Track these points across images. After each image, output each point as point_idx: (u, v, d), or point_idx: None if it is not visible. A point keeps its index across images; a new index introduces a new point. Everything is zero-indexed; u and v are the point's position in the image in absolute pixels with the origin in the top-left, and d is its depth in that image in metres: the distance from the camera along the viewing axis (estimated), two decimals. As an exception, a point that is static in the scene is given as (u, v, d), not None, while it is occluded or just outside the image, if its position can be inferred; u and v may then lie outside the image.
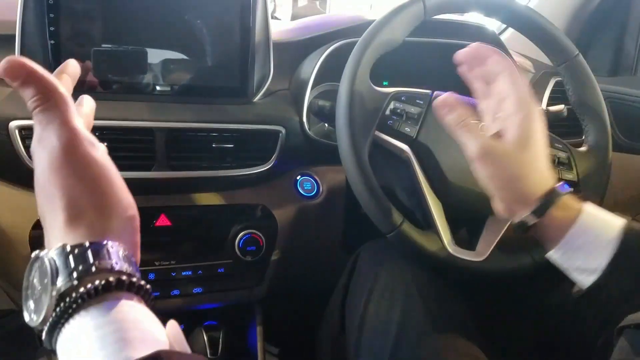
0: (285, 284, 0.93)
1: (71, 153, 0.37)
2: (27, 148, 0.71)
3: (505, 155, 0.53)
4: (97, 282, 0.33)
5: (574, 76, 0.74)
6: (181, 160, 0.79)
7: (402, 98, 0.71)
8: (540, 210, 0.53)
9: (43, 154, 0.38)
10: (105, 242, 0.36)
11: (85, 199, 0.37)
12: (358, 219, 0.92)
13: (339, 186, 0.91)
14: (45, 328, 0.34)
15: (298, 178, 0.89)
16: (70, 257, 0.34)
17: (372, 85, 0.71)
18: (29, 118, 0.65)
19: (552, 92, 1.02)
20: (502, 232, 0.72)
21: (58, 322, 0.33)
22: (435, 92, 0.72)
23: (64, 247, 0.35)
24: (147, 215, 0.78)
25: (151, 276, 0.79)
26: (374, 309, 0.70)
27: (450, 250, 0.69)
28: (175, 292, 0.81)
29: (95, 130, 0.72)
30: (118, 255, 0.36)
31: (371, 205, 0.67)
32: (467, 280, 0.77)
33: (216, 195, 0.84)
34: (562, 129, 0.86)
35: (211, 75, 0.82)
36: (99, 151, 0.39)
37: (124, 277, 0.35)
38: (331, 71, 0.84)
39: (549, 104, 0.99)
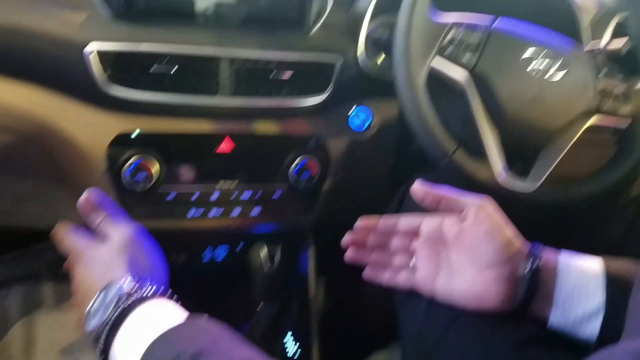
0: (335, 213, 0.97)
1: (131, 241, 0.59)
2: (102, 70, 0.75)
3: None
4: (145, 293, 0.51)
5: (636, 8, 0.72)
6: (242, 88, 0.82)
7: (461, 27, 0.72)
8: (533, 261, 0.56)
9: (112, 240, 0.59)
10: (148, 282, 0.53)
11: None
12: (408, 154, 0.94)
13: (392, 120, 0.93)
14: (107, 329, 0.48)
15: (352, 110, 0.91)
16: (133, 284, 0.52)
17: (431, 14, 0.71)
18: (104, 40, 0.69)
19: (614, 31, 0.99)
20: (555, 163, 0.73)
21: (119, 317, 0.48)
22: (496, 21, 0.72)
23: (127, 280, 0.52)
24: (210, 140, 0.83)
25: (213, 197, 0.84)
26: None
27: (502, 179, 0.71)
28: (235, 213, 0.86)
29: (164, 56, 0.76)
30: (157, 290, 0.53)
31: (425, 131, 0.69)
32: (516, 213, 0.79)
33: (274, 123, 0.87)
34: (621, 66, 0.85)
35: (270, 6, 0.84)
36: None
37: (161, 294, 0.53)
38: (390, 2, 0.84)
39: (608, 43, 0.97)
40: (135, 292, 0.49)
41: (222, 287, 0.75)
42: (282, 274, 0.79)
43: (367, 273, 0.62)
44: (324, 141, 0.90)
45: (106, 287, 0.50)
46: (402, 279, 0.61)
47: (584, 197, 0.72)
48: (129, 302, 0.48)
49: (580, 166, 0.74)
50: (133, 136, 0.78)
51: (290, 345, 0.82)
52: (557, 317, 0.56)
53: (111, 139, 0.77)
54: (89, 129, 0.78)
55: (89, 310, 0.49)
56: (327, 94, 0.87)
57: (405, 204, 0.83)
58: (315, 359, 0.74)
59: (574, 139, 0.72)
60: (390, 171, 0.98)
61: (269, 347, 0.76)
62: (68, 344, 1.19)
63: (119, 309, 0.47)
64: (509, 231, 0.57)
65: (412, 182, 0.87)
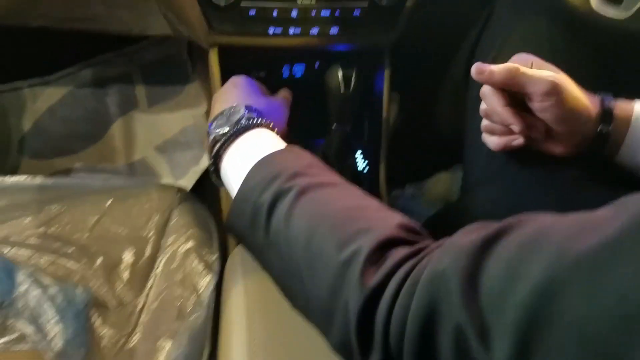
0: (415, 34, 0.95)
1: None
2: None
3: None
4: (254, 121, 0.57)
5: None
6: None
7: None
8: (607, 116, 0.56)
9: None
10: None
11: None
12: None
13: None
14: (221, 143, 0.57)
15: None
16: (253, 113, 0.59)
17: None
18: None
19: None
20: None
21: (235, 134, 0.56)
22: None
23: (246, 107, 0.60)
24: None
25: (293, 14, 0.85)
26: (503, 61, 0.73)
27: (595, 3, 0.66)
28: (314, 31, 0.87)
29: None
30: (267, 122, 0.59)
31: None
32: (605, 45, 0.75)
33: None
34: None
35: None
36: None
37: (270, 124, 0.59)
38: None
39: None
40: (252, 119, 0.57)
41: (299, 105, 0.80)
42: (356, 95, 0.82)
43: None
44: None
45: (232, 108, 0.59)
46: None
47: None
48: (245, 124, 0.56)
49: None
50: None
51: (360, 161, 0.89)
52: (624, 158, 0.58)
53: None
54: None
55: (213, 123, 0.58)
56: None
57: (490, 26, 0.81)
58: (382, 175, 0.81)
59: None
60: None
61: (341, 163, 0.83)
62: (162, 141, 1.34)
63: (237, 127, 0.55)
64: (584, 99, 0.57)
65: (499, 3, 0.83)
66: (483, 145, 0.69)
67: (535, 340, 0.26)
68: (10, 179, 0.76)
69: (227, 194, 0.95)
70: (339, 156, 0.82)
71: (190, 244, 0.72)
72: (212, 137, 0.58)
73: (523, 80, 0.55)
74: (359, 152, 0.90)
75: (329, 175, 0.49)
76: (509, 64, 0.57)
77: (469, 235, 0.33)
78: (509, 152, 0.65)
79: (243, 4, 0.83)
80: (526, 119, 0.58)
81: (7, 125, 1.28)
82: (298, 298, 0.44)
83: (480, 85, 0.75)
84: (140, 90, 1.39)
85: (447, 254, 0.33)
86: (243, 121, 0.56)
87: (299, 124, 0.77)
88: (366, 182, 0.90)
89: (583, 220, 0.28)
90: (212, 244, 0.73)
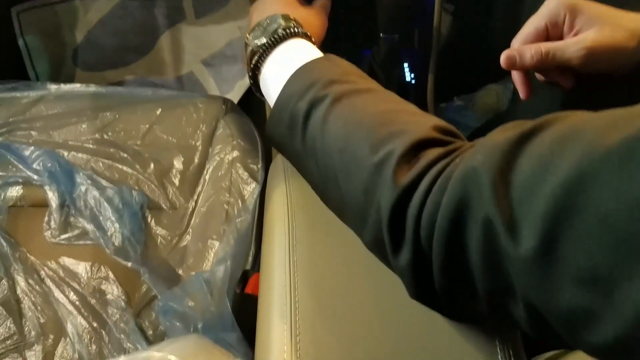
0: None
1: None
2: None
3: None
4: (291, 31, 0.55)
5: None
6: None
7: None
8: None
9: None
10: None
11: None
12: None
13: None
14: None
15: None
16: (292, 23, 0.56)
17: None
18: None
19: None
20: None
21: (272, 44, 0.54)
22: None
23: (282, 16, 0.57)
24: None
25: None
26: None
27: None
28: None
29: None
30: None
31: None
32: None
33: None
34: None
35: None
36: None
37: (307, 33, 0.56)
38: None
39: None
40: (289, 29, 0.56)
41: (346, 14, 0.78)
42: (406, 4, 0.79)
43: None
44: None
45: (269, 19, 0.58)
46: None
47: None
48: (282, 34, 0.55)
49: None
50: None
51: (408, 72, 0.87)
52: None
53: None
54: None
55: (250, 34, 0.58)
56: None
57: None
58: (430, 86, 0.79)
59: None
60: None
61: (388, 74, 0.81)
62: (209, 55, 1.34)
63: (274, 37, 0.55)
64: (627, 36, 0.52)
65: None
66: None
67: (562, 230, 0.27)
68: (67, 87, 0.79)
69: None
70: (386, 67, 0.80)
71: (235, 153, 0.74)
72: (249, 48, 0.58)
73: (554, 60, 0.53)
74: (407, 63, 0.88)
75: (365, 82, 0.49)
76: (537, 47, 0.54)
77: (504, 133, 0.33)
78: None
79: None
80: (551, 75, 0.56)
81: (61, 37, 1.31)
82: (334, 201, 0.46)
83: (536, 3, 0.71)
84: (188, 2, 1.38)
85: (481, 151, 0.33)
86: (280, 31, 0.56)
87: (346, 34, 0.76)
88: (413, 94, 0.88)
89: (619, 114, 0.28)
90: (257, 154, 0.74)
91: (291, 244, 0.46)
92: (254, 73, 0.57)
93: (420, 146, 0.38)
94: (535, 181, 0.29)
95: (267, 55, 0.56)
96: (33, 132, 0.76)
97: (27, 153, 0.73)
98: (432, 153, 0.37)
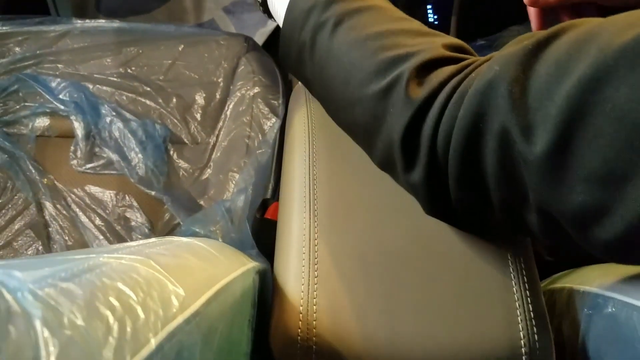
0: None
1: None
2: None
3: None
4: None
5: None
6: None
7: None
8: None
9: None
10: None
11: None
12: None
13: None
14: None
15: None
16: None
17: None
18: None
19: None
20: None
21: None
22: None
23: None
24: None
25: None
26: None
27: None
28: None
29: None
30: None
31: None
32: None
33: None
34: None
35: None
36: None
37: None
38: None
39: None
40: None
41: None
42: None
43: None
44: None
45: None
46: None
47: None
48: None
49: None
50: None
51: (431, 14, 0.87)
52: None
53: None
54: None
55: None
56: None
57: None
58: (453, 28, 0.78)
59: None
60: None
61: (412, 14, 0.81)
62: (230, 2, 1.34)
63: None
64: None
65: None
66: None
67: (576, 129, 0.27)
68: (91, 22, 0.80)
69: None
70: (409, 8, 0.79)
71: (256, 89, 0.75)
72: None
73: None
74: (430, 5, 0.87)
75: None
76: None
77: (520, 43, 0.33)
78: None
79: None
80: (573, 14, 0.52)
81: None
82: (345, 125, 0.46)
83: None
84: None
85: (498, 61, 0.33)
86: None
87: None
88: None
89: (636, 14, 0.28)
90: (278, 90, 0.75)
91: (311, 161, 0.46)
92: None
93: (430, 66, 0.38)
94: (551, 85, 0.29)
95: None
96: (59, 65, 0.77)
97: (54, 84, 0.75)
98: (445, 71, 0.37)
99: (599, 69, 0.26)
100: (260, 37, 1.27)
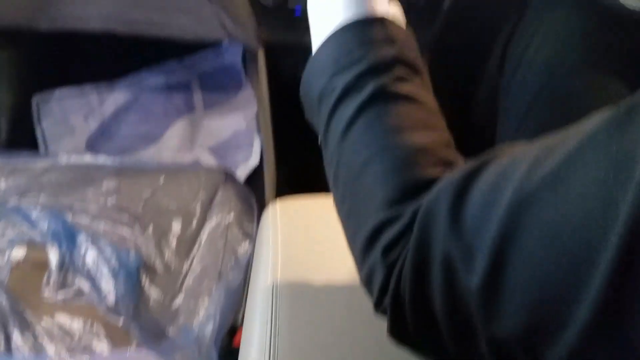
0: (453, 32, 0.98)
1: None
2: None
3: None
4: None
5: None
6: None
7: None
8: None
9: None
10: None
11: None
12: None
13: None
14: None
15: None
16: None
17: None
18: None
19: None
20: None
21: None
22: None
23: None
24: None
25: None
26: (533, 50, 0.74)
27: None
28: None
29: None
30: None
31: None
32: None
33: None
34: None
35: None
36: None
37: None
38: None
39: None
40: None
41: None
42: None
43: None
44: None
45: None
46: None
47: None
48: None
49: None
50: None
51: None
52: None
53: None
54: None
55: None
56: None
57: (523, 19, 0.82)
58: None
59: None
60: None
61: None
62: (215, 143, 1.42)
63: None
64: None
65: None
66: (508, 132, 0.70)
67: (509, 252, 0.28)
68: (77, 157, 0.85)
69: (271, 182, 1.01)
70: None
71: (232, 217, 0.78)
72: None
73: None
74: None
75: (412, 78, 0.41)
76: None
77: (457, 172, 0.34)
78: (532, 136, 0.67)
79: (290, 4, 0.89)
80: None
81: (76, 127, 1.39)
82: (341, 217, 0.42)
83: (511, 77, 0.76)
84: (198, 96, 1.48)
85: (437, 188, 0.34)
86: None
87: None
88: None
89: (553, 141, 0.29)
90: (253, 215, 0.78)
91: (274, 295, 0.47)
92: None
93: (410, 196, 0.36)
94: (484, 213, 0.30)
95: None
96: (42, 197, 0.80)
97: (34, 215, 0.77)
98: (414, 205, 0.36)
99: (523, 196, 0.28)
100: (242, 171, 1.32)
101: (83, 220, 0.78)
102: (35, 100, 1.33)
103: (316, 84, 0.42)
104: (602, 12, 0.71)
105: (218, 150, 1.41)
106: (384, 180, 0.37)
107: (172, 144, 1.41)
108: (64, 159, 0.85)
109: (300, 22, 0.91)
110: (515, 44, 0.82)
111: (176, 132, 1.43)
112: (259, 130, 1.40)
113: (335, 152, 0.41)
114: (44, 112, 1.35)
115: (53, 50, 1.34)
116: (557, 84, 0.68)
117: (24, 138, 1.29)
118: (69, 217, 0.78)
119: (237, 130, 1.44)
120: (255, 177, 0.93)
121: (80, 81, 1.38)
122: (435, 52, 0.98)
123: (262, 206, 0.83)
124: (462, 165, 0.35)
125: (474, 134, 1.04)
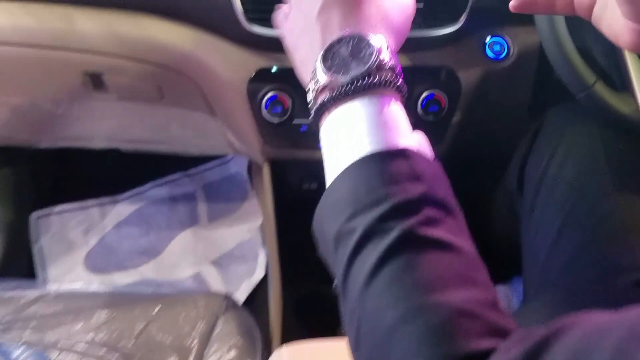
0: (464, 146, 0.96)
1: None
2: (245, 10, 0.79)
3: None
4: (375, 78, 0.40)
5: None
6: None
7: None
8: None
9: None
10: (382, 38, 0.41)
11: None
12: (549, 85, 0.89)
13: (532, 49, 0.88)
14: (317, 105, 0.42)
15: (487, 39, 0.88)
16: (359, 46, 0.40)
17: None
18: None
19: None
20: None
21: (330, 101, 0.41)
22: None
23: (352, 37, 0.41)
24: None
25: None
26: (555, 168, 0.72)
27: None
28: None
29: None
30: (390, 51, 0.41)
31: (563, 62, 0.66)
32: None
33: (402, 56, 0.87)
34: None
35: None
36: None
37: (392, 77, 0.41)
38: None
39: None
40: (387, 73, 0.40)
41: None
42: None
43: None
44: (455, 72, 0.88)
45: (357, 38, 0.41)
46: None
47: None
48: (379, 79, 0.40)
49: None
50: (273, 71, 0.82)
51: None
52: None
53: (252, 74, 0.83)
54: (233, 64, 0.85)
55: (326, 59, 0.42)
56: (462, 22, 0.84)
57: (541, 135, 0.80)
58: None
59: None
60: (527, 103, 0.94)
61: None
62: (218, 255, 1.36)
63: (363, 82, 0.39)
64: None
65: (552, 112, 0.84)
66: (539, 252, 0.66)
67: None
68: (67, 286, 0.79)
69: (277, 305, 0.94)
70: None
71: (232, 354, 0.70)
72: (321, 81, 0.41)
73: None
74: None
75: (445, 224, 0.36)
76: None
77: (517, 347, 0.28)
78: (567, 259, 0.62)
79: (295, 121, 0.87)
80: None
81: (75, 242, 1.35)
82: None
83: (534, 195, 0.73)
84: (202, 208, 1.45)
85: None
86: (372, 61, 0.39)
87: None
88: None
89: (634, 323, 0.25)
90: (256, 353, 0.70)
91: None
92: (318, 113, 0.43)
93: None
94: None
95: (342, 101, 0.40)
96: (26, 332, 0.73)
97: (16, 354, 0.70)
98: None
99: None
100: (245, 289, 1.26)
101: (68, 359, 0.71)
102: (34, 216, 1.30)
103: (333, 221, 0.37)
104: (622, 123, 0.68)
105: (221, 261, 1.36)
106: (418, 351, 0.31)
107: (173, 259, 1.36)
108: (54, 287, 0.79)
109: (306, 138, 0.90)
110: (534, 160, 0.79)
111: (178, 245, 1.39)
112: (264, 242, 1.35)
113: (356, 307, 0.34)
114: (42, 227, 1.31)
115: (54, 167, 1.33)
116: (588, 206, 0.65)
117: (20, 256, 1.24)
118: (53, 356, 0.70)
119: (242, 242, 1.39)
120: (259, 303, 0.87)
121: (82, 197, 1.36)
122: (451, 165, 0.96)
123: (266, 339, 0.75)
124: (518, 336, 0.30)
125: (495, 252, 0.99)
